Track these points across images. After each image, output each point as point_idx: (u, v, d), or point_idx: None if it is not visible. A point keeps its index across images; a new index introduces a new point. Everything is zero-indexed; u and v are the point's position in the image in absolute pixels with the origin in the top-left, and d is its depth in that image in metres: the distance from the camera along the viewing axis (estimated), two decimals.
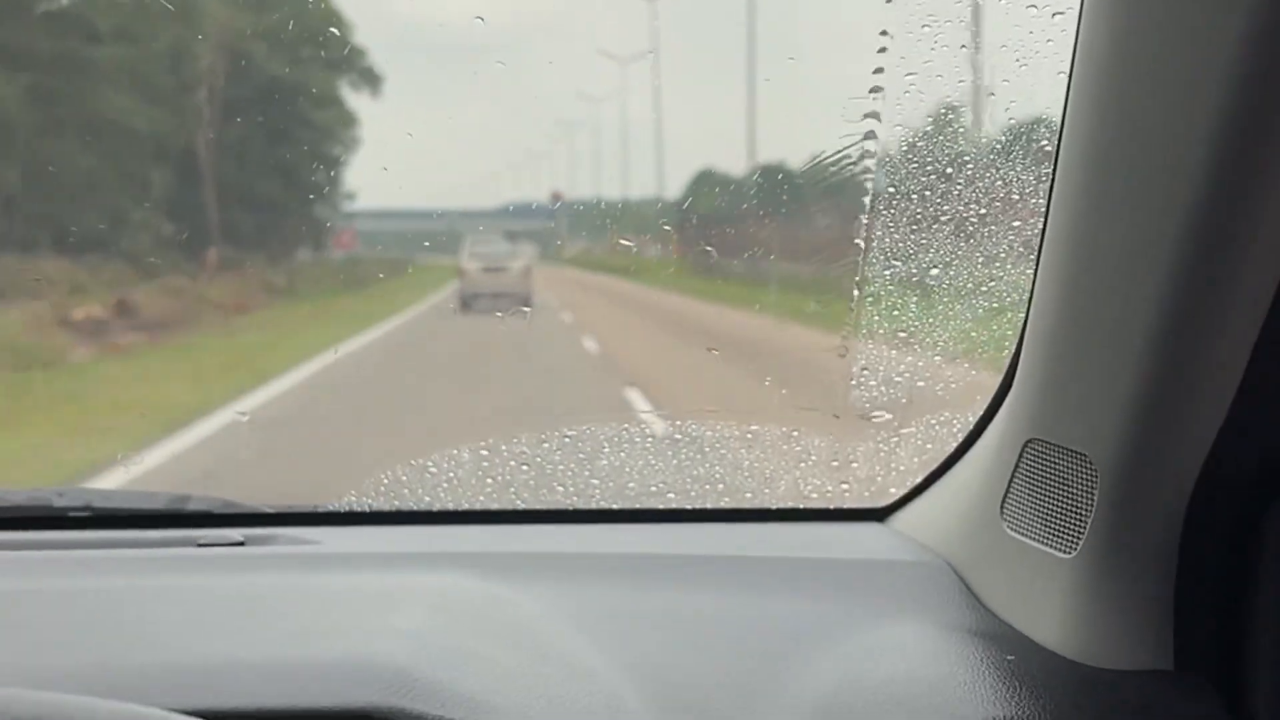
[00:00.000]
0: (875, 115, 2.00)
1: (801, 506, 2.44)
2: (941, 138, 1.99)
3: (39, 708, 1.19)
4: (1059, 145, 1.56)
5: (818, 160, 2.17)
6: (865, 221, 2.04)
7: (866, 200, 2.02)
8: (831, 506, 2.45)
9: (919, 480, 2.23)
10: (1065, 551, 1.68)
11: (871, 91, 1.96)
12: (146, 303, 13.52)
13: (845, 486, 2.46)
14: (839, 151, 2.09)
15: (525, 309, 10.27)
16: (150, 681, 1.62)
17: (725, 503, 2.38)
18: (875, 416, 2.37)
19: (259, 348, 12.97)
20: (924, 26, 1.84)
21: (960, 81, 1.91)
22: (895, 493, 2.30)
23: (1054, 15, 1.62)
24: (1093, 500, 1.61)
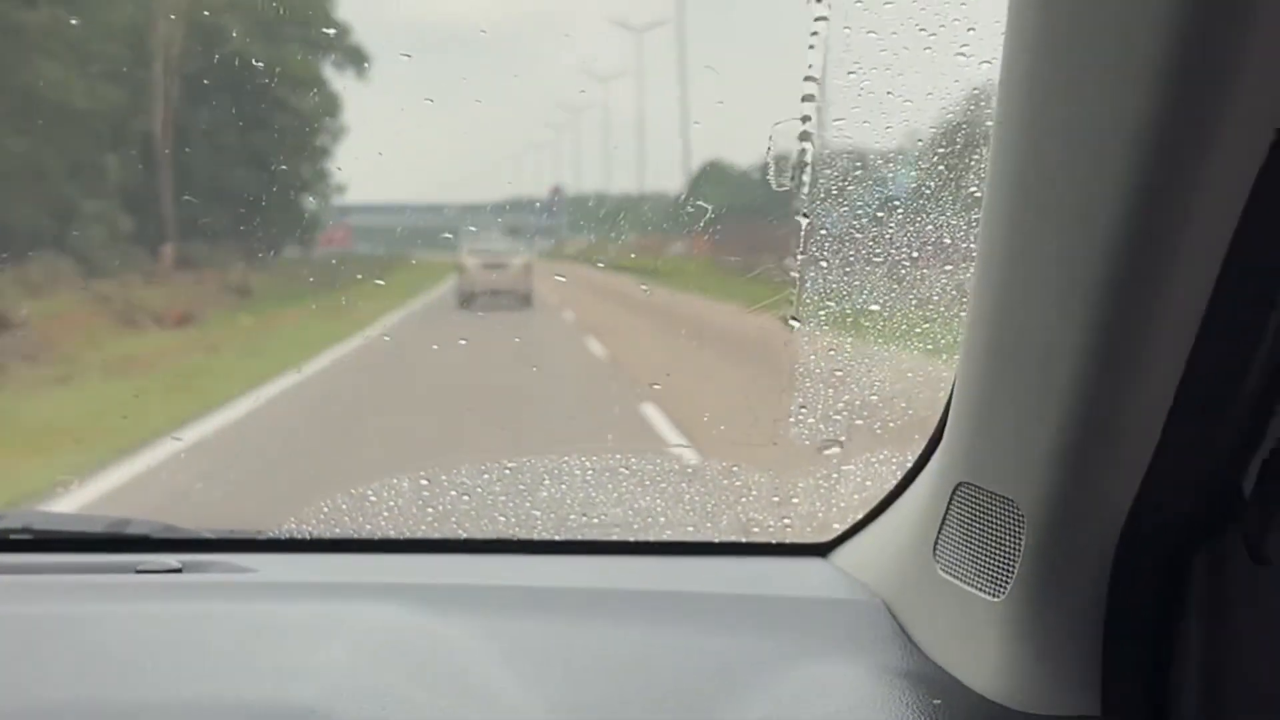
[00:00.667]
0: (807, 145, 1.99)
1: (744, 540, 2.44)
2: (871, 182, 2.00)
3: None
4: (985, 193, 1.57)
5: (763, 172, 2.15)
6: (799, 259, 2.04)
7: (801, 233, 2.02)
8: (774, 541, 2.44)
9: (860, 517, 2.23)
10: (994, 595, 1.68)
11: (803, 121, 1.95)
12: (38, 316, 11.14)
13: (787, 522, 2.46)
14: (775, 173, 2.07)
15: (533, 340, 9.44)
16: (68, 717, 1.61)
17: (668, 535, 2.37)
18: (820, 451, 2.37)
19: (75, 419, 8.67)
20: (849, 74, 1.85)
21: (887, 127, 1.91)
22: (838, 529, 2.30)
23: (980, 65, 1.62)
24: (1020, 545, 1.61)
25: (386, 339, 9.59)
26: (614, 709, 1.76)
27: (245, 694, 1.70)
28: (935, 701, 1.71)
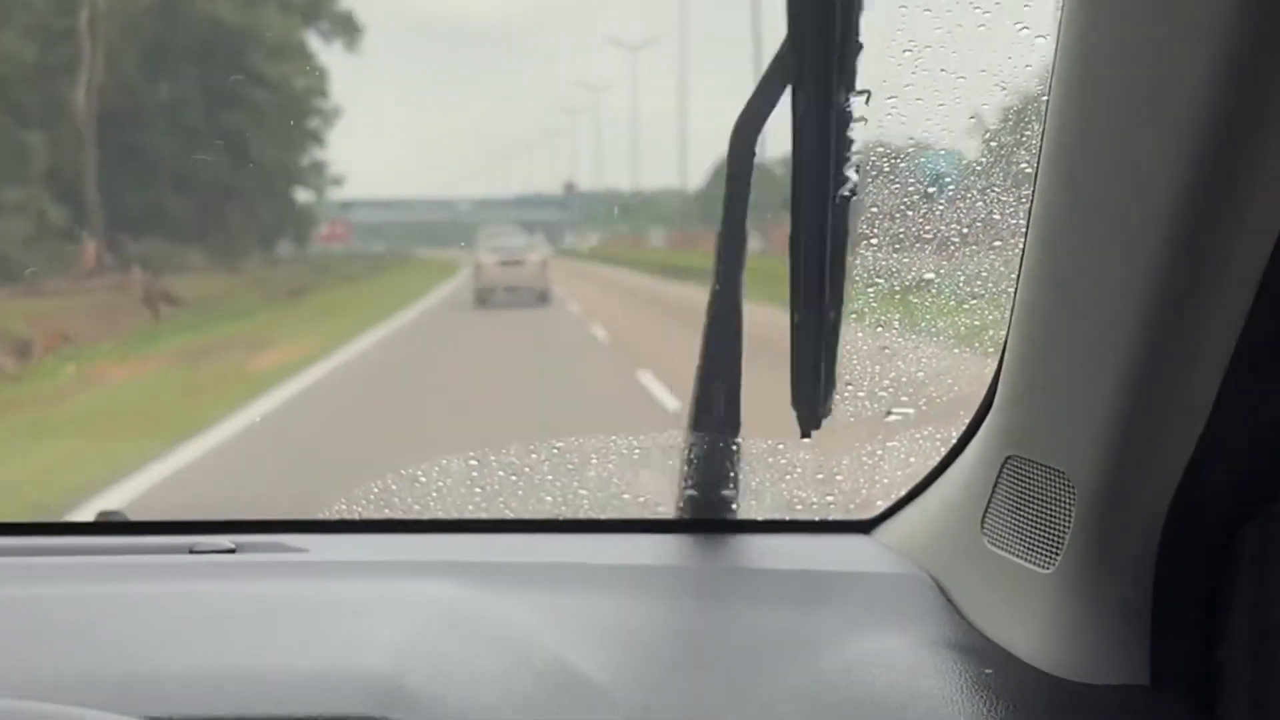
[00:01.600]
0: (855, 139, 2.02)
1: (788, 518, 2.46)
2: (923, 159, 2.02)
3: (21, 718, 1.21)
4: (1037, 167, 1.59)
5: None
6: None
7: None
8: (817, 518, 2.47)
9: (903, 493, 2.25)
10: (1044, 567, 1.70)
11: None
12: None
13: (831, 499, 2.48)
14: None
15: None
16: (138, 690, 1.65)
17: (711, 514, 2.39)
18: (884, 418, 2.39)
19: None
20: (905, 51, 1.87)
21: (940, 105, 1.94)
22: (881, 505, 2.32)
23: (1035, 40, 1.64)
24: (1070, 517, 1.63)
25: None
26: (675, 681, 1.78)
27: (315, 664, 1.73)
28: (986, 671, 1.74)
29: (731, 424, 2.27)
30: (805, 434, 2.18)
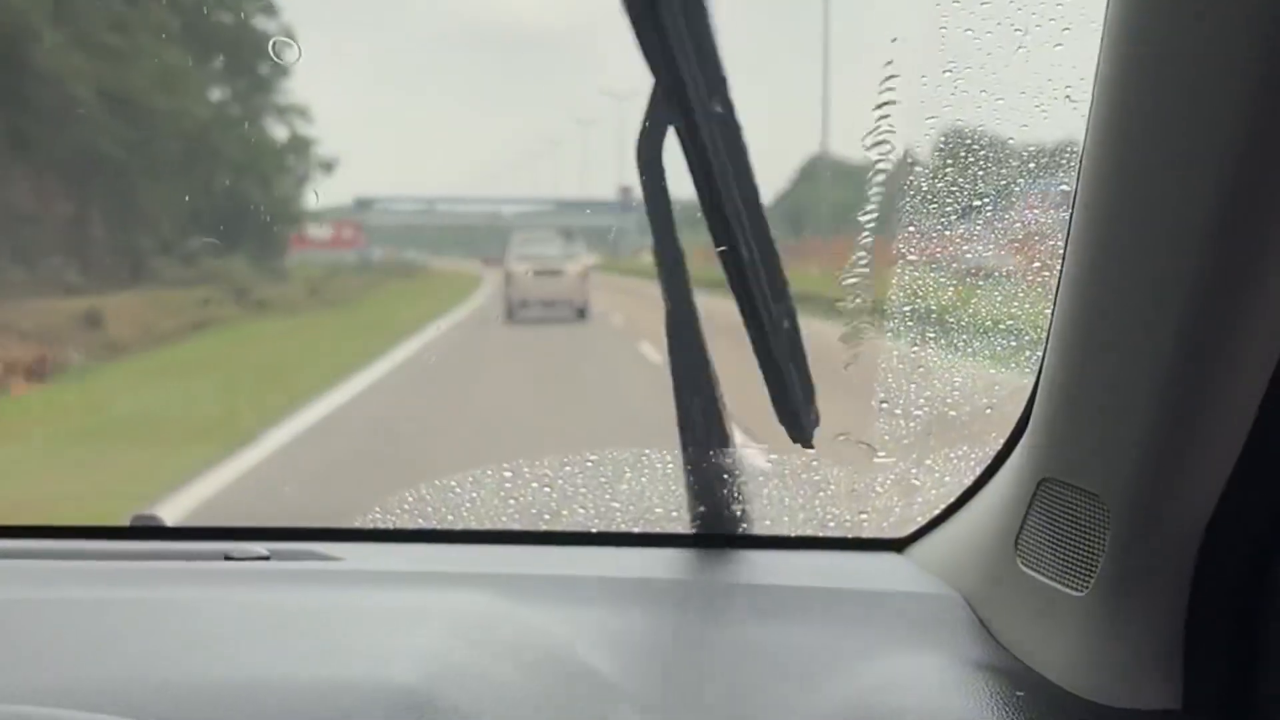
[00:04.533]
0: (889, 140, 2.03)
1: (820, 535, 2.46)
2: (961, 179, 2.02)
3: None
4: (1076, 188, 1.59)
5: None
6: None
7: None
8: (850, 535, 2.46)
9: (937, 513, 2.25)
10: (1077, 589, 1.69)
11: (881, 121, 1.99)
12: None
13: (864, 516, 2.47)
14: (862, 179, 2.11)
15: None
16: (168, 698, 1.66)
17: (743, 529, 2.40)
18: (895, 447, 2.39)
19: None
20: (944, 73, 1.87)
21: (979, 125, 1.94)
22: (919, 521, 2.32)
23: (1075, 64, 1.64)
24: (1104, 540, 1.63)
25: None
26: (706, 695, 1.79)
27: (344, 675, 1.74)
28: (1018, 693, 1.73)
29: (718, 437, 2.27)
30: (807, 445, 2.19)
